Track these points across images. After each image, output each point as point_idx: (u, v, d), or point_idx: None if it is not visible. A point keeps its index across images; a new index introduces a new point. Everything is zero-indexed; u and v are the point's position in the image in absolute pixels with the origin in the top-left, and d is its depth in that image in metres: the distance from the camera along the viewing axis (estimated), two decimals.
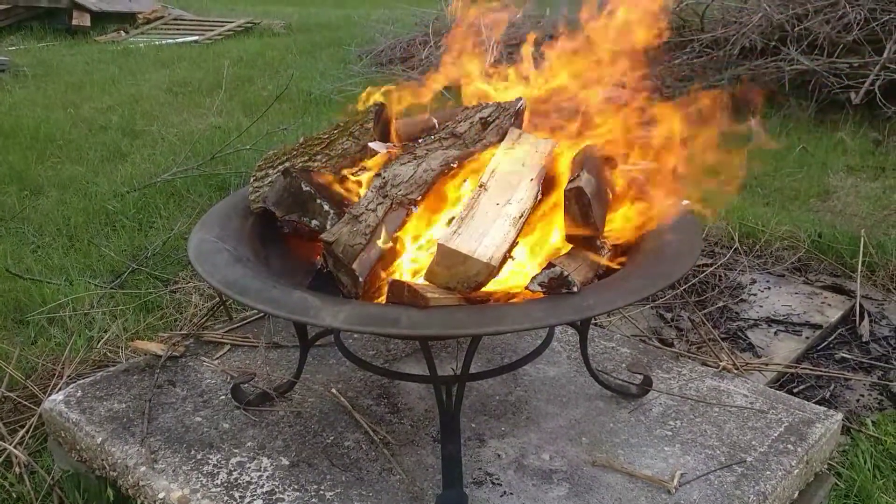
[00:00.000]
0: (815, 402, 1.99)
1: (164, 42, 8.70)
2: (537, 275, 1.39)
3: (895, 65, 4.76)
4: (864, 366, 2.39)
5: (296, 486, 1.56)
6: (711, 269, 2.87)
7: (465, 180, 1.64)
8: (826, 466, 1.79)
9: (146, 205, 3.65)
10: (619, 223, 1.62)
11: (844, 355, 2.44)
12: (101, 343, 2.32)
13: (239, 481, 1.57)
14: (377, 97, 1.79)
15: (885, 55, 4.79)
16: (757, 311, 2.67)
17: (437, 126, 1.86)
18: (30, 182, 4.02)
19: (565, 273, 1.37)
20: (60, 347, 2.33)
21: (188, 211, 3.53)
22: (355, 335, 2.10)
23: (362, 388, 1.90)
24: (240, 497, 1.53)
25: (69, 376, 2.11)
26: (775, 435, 1.71)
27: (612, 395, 1.85)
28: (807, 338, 2.50)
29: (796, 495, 1.67)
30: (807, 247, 3.07)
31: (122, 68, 7.13)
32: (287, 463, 1.63)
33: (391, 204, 1.51)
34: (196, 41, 8.83)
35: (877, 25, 4.94)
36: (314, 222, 1.59)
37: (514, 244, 1.45)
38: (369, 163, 1.69)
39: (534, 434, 1.73)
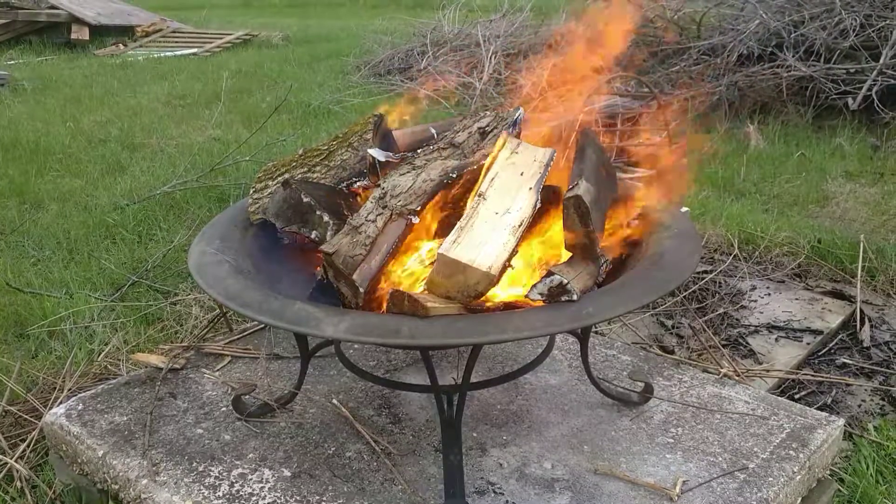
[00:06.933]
0: (817, 408, 1.99)
1: (162, 55, 8.73)
2: (537, 283, 1.39)
3: (892, 70, 4.78)
4: (866, 371, 2.39)
5: (298, 498, 1.56)
6: (711, 275, 2.87)
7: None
8: (828, 472, 1.79)
9: (146, 217, 3.65)
10: (616, 231, 1.62)
11: (846, 361, 2.43)
12: (101, 356, 2.32)
13: (241, 493, 1.57)
14: None
15: (881, 60, 4.81)
16: (757, 317, 2.67)
17: (435, 136, 1.86)
18: (29, 195, 4.03)
19: (565, 281, 1.37)
20: (61, 361, 2.33)
21: (188, 223, 3.53)
22: (356, 345, 2.10)
23: (363, 398, 1.90)
24: None
25: (70, 389, 2.11)
26: (777, 441, 1.71)
27: (614, 403, 1.85)
28: (808, 344, 2.50)
29: (799, 501, 1.66)
30: (806, 253, 3.08)
31: (121, 81, 7.15)
32: (289, 474, 1.63)
33: (391, 215, 1.52)
34: (195, 54, 8.86)
35: (873, 31, 4.97)
36: (314, 233, 1.59)
37: (513, 253, 1.45)
38: None
39: (535, 443, 1.72)
